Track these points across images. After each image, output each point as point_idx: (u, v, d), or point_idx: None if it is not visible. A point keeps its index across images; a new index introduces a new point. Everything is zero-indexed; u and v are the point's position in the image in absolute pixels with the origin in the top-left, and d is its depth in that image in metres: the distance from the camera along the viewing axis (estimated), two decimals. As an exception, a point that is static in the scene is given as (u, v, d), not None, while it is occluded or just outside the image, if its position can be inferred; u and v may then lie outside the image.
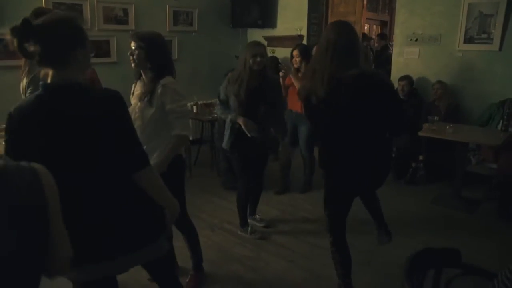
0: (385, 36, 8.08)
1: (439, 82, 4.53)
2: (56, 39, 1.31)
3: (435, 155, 4.35)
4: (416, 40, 4.86)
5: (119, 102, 1.38)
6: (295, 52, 3.89)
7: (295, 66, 3.86)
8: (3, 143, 1.36)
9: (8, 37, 1.30)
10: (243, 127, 2.90)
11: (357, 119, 2.07)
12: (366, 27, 9.46)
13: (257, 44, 2.99)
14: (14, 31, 1.28)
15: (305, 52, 3.83)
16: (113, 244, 1.45)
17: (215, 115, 4.27)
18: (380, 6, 10.19)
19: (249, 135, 2.91)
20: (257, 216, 3.50)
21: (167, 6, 5.41)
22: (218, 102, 3.13)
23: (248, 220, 3.37)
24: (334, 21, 2.34)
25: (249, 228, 3.30)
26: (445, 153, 4.17)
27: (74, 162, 1.34)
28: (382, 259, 2.88)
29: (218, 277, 2.74)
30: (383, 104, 2.05)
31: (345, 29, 2.11)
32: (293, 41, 5.90)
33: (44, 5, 4.26)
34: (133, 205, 1.48)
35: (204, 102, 5.08)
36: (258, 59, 2.85)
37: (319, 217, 3.64)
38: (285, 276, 2.78)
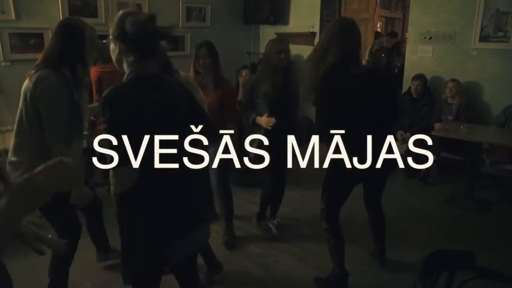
0: (396, 34, 7.96)
1: (453, 80, 4.47)
2: (142, 36, 1.48)
3: (448, 155, 4.31)
4: (430, 38, 4.80)
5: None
6: None
7: None
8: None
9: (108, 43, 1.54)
10: (263, 123, 2.85)
11: (363, 108, 2.23)
12: (378, 25, 9.37)
13: (281, 40, 3.01)
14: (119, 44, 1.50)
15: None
16: (192, 218, 1.66)
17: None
18: (393, 4, 10.09)
19: (269, 128, 2.82)
20: (276, 221, 3.37)
21: (180, 1, 5.42)
22: (240, 107, 3.15)
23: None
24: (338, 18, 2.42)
25: (264, 225, 3.30)
26: (458, 153, 4.13)
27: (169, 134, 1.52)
28: (393, 259, 2.86)
29: (228, 273, 2.75)
30: (382, 93, 2.29)
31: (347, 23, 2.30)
32: (306, 38, 5.88)
33: (60, 1, 4.31)
34: (202, 184, 1.81)
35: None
36: (283, 55, 2.84)
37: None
38: (295, 273, 2.78)
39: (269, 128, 2.81)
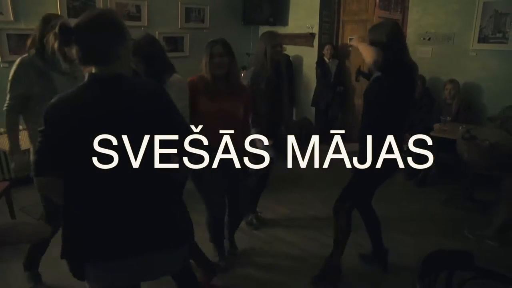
0: None
1: (452, 81, 4.47)
2: (95, 38, 1.32)
3: (447, 155, 4.31)
4: (429, 39, 4.81)
5: (162, 91, 1.44)
6: None
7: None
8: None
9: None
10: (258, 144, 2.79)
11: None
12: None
13: (275, 33, 3.01)
14: (55, 36, 1.31)
15: None
16: (145, 240, 1.40)
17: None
18: (393, 4, 10.09)
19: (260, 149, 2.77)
20: (259, 213, 3.50)
21: (179, 3, 5.42)
22: None
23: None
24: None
25: (249, 218, 3.38)
26: (457, 154, 4.13)
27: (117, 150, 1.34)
28: (391, 257, 2.86)
29: (227, 275, 2.74)
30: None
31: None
32: (305, 39, 5.88)
33: (58, 3, 4.31)
34: (169, 204, 1.47)
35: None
36: (279, 48, 2.85)
37: (329, 216, 3.62)
38: (295, 274, 2.78)
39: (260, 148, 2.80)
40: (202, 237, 2.59)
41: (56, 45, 1.32)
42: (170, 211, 1.46)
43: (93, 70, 1.35)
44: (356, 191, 2.58)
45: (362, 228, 2.76)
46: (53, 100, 1.34)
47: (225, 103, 2.41)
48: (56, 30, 1.30)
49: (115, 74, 1.35)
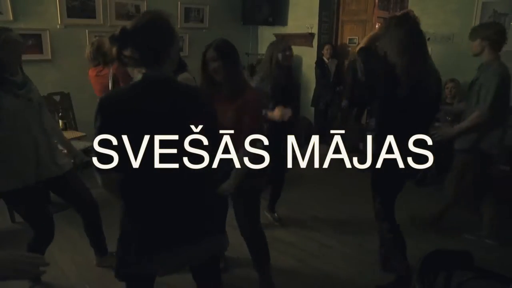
0: None
1: (453, 80, 4.47)
2: (150, 42, 1.38)
3: (446, 155, 4.31)
4: (429, 39, 4.75)
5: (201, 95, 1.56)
6: None
7: None
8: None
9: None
10: (277, 116, 2.72)
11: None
12: (377, 26, 9.38)
13: (283, 39, 3.01)
14: (113, 39, 1.36)
15: None
16: (188, 232, 1.53)
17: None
18: (392, 4, 10.09)
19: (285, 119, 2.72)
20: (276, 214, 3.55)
21: (179, 2, 5.43)
22: None
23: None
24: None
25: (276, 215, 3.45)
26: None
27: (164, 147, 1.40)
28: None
29: (225, 275, 2.74)
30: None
31: None
32: (304, 39, 5.88)
33: (58, 2, 4.30)
34: (206, 197, 1.58)
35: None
36: (288, 52, 2.84)
37: (328, 216, 3.64)
38: (294, 274, 2.78)
39: (285, 120, 2.71)
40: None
41: (114, 51, 1.38)
42: (210, 204, 1.61)
43: (143, 71, 1.40)
44: (377, 196, 2.55)
45: (363, 228, 2.76)
46: (107, 94, 1.42)
47: (224, 111, 2.05)
48: (117, 33, 1.36)
49: (167, 76, 1.44)
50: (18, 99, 2.13)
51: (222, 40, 2.19)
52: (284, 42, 2.91)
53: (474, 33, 3.00)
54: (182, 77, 2.17)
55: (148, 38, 1.38)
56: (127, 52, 1.37)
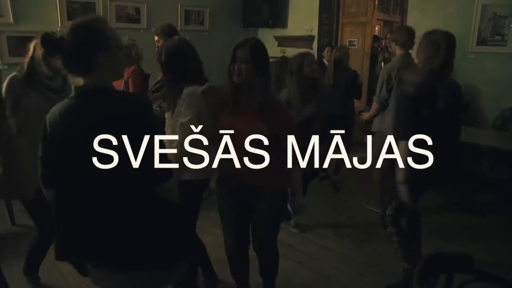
0: (377, 38, 7.60)
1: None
2: (72, 48, 1.29)
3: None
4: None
5: (144, 106, 1.38)
6: None
7: None
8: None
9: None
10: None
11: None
12: (377, 28, 9.39)
13: (309, 53, 3.16)
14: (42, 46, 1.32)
15: None
16: (133, 258, 1.40)
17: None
18: (392, 7, 10.10)
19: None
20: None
21: (179, 5, 5.44)
22: None
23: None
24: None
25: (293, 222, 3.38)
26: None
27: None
28: (391, 261, 2.86)
29: (225, 277, 2.74)
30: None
31: None
32: (304, 41, 5.89)
33: (58, 5, 4.31)
34: (158, 223, 1.43)
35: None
36: (315, 66, 2.98)
37: (327, 218, 3.63)
38: (293, 276, 2.77)
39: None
40: (207, 244, 2.59)
41: (42, 58, 1.35)
42: (158, 230, 1.42)
43: (81, 82, 1.34)
44: (392, 201, 2.52)
45: (362, 230, 2.76)
46: (51, 113, 1.37)
47: (244, 121, 1.89)
48: (39, 40, 1.31)
49: (98, 87, 1.33)
50: (48, 101, 2.13)
51: (259, 42, 2.01)
52: (311, 56, 3.00)
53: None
54: (188, 90, 1.99)
55: (72, 44, 1.28)
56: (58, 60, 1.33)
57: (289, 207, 3.22)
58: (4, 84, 2.18)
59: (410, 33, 3.41)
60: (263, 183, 1.96)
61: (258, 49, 1.92)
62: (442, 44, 2.19)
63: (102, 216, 1.38)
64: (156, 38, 3.42)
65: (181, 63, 2.05)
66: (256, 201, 2.04)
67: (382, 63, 6.49)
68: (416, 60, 2.40)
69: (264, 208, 2.04)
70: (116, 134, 1.27)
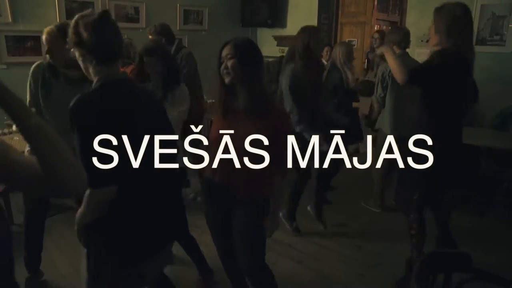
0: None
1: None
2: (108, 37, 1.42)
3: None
4: (427, 41, 4.79)
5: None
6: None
7: None
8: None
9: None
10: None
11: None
12: (376, 28, 9.39)
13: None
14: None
15: None
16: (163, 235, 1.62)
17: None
18: (391, 7, 10.10)
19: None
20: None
21: (178, 4, 5.43)
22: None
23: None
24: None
25: (294, 224, 3.35)
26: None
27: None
28: (390, 261, 2.87)
29: (223, 277, 2.74)
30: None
31: None
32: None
33: (57, 4, 4.31)
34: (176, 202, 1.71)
35: (213, 101, 5.09)
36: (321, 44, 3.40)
37: (327, 218, 3.63)
38: (293, 276, 2.78)
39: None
40: (199, 240, 2.59)
41: (81, 60, 1.44)
42: (177, 209, 1.74)
43: (100, 72, 1.41)
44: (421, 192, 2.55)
45: (362, 230, 2.76)
46: (77, 106, 1.34)
47: (238, 125, 1.80)
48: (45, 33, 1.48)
49: (120, 76, 1.46)
50: (69, 92, 2.16)
51: (247, 39, 1.91)
52: (319, 31, 3.12)
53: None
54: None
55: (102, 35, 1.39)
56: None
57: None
58: (30, 72, 2.32)
59: (405, 32, 3.50)
60: (240, 191, 1.85)
61: (242, 44, 1.80)
62: (458, 13, 2.43)
63: (139, 201, 1.48)
64: (150, 37, 3.45)
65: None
66: (234, 211, 1.91)
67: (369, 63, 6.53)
68: (434, 40, 2.49)
69: (238, 221, 1.90)
70: (151, 118, 1.49)
